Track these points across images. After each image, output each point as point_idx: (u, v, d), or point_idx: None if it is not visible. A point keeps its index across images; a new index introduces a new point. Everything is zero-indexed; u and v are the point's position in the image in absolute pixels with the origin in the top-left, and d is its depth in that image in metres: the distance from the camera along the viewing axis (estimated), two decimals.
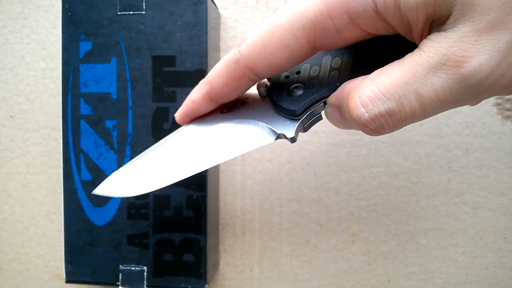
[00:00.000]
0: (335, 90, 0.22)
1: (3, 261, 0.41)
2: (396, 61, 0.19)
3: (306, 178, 0.38)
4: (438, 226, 0.37)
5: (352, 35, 0.19)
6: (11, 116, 0.41)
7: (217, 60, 0.37)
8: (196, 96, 0.25)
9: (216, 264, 0.38)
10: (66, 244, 0.35)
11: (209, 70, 0.33)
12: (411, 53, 0.18)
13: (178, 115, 0.26)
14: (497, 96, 0.36)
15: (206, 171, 0.34)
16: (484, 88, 0.17)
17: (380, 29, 0.19)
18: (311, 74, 0.23)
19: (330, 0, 0.19)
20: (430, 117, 0.36)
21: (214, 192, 0.37)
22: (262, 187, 0.38)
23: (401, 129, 0.36)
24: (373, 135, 0.20)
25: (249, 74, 0.22)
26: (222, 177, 0.38)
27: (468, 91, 0.17)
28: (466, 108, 0.36)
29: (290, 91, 0.24)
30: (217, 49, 0.37)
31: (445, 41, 0.17)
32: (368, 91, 0.18)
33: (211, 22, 0.34)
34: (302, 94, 0.23)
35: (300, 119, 0.24)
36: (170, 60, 0.33)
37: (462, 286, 0.37)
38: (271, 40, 0.20)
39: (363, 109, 0.18)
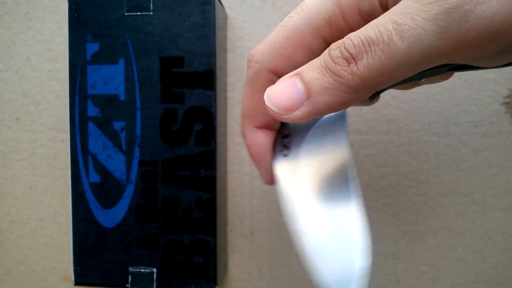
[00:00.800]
0: None
1: (11, 264, 0.41)
2: None
3: None
4: (447, 225, 0.37)
5: None
6: (17, 118, 0.40)
7: (224, 60, 0.37)
8: (246, 136, 0.24)
9: (225, 266, 0.38)
10: (74, 246, 0.35)
11: (217, 71, 0.33)
12: None
13: (263, 179, 0.25)
14: (506, 95, 0.36)
15: (215, 172, 0.33)
16: (463, 14, 0.15)
17: None
18: None
19: (342, 1, 0.19)
20: (438, 117, 0.35)
21: (222, 193, 0.37)
22: (271, 188, 0.38)
23: (410, 128, 0.36)
24: (345, 85, 0.17)
25: (272, 77, 0.21)
26: (230, 178, 0.38)
27: (447, 16, 0.15)
28: (474, 107, 0.36)
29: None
30: (224, 50, 0.37)
31: None
32: (351, 34, 0.17)
33: (218, 23, 0.34)
34: None
35: None
36: (178, 61, 0.33)
37: (471, 286, 0.37)
38: (289, 41, 0.20)
39: (346, 39, 0.17)
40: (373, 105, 0.37)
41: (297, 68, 0.20)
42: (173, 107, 0.33)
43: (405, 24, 0.16)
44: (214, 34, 0.33)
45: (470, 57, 0.16)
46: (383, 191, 0.37)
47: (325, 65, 0.17)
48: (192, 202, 0.34)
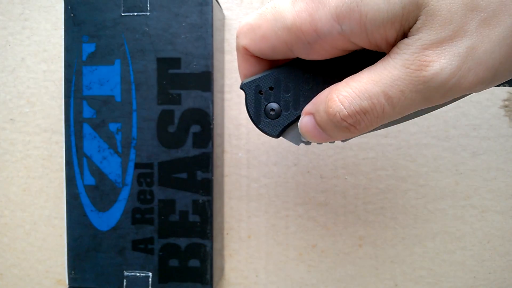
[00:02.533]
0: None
1: (4, 267, 0.41)
2: (368, 67, 0.20)
3: (312, 181, 0.37)
4: (445, 229, 0.37)
5: (323, 51, 0.21)
6: (11, 119, 0.40)
7: (221, 62, 0.37)
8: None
9: (222, 269, 0.38)
10: (69, 250, 0.34)
11: (215, 73, 0.33)
12: (380, 60, 0.20)
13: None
14: (505, 98, 0.36)
15: (211, 174, 0.33)
16: (447, 89, 0.18)
17: (349, 47, 0.20)
18: (284, 91, 0.24)
19: (303, 15, 0.20)
20: (437, 120, 0.35)
21: (219, 196, 0.36)
22: (268, 191, 0.38)
23: (408, 131, 0.36)
24: (347, 136, 0.21)
25: (250, 54, 0.23)
26: (227, 180, 0.38)
27: (432, 91, 0.18)
28: (473, 110, 0.36)
29: (267, 112, 0.25)
30: (222, 51, 0.37)
31: (409, 48, 0.18)
32: (344, 92, 0.20)
33: (216, 24, 0.34)
34: (279, 118, 0.25)
35: (278, 137, 0.25)
36: (175, 62, 0.33)
37: None
38: (259, 29, 0.22)
39: (341, 105, 0.20)
40: None
41: (263, 53, 0.23)
42: (170, 109, 0.33)
43: (396, 97, 0.19)
44: (212, 35, 0.32)
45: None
46: (381, 194, 0.37)
47: (332, 125, 0.21)
48: (189, 205, 0.33)
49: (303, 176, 0.37)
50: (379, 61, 0.20)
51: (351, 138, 0.22)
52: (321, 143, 0.26)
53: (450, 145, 0.36)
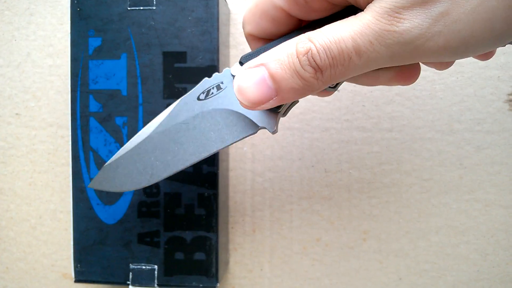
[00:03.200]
0: None
1: (10, 261, 0.41)
2: (341, 20, 0.20)
3: (316, 175, 0.38)
4: (449, 223, 0.37)
5: (320, 6, 0.21)
6: (17, 114, 0.40)
7: (227, 56, 0.37)
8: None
9: (226, 263, 0.38)
10: (75, 243, 0.34)
11: (220, 67, 0.33)
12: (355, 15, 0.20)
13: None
14: (509, 93, 0.36)
15: (217, 168, 0.33)
16: (414, 48, 0.19)
17: (341, 2, 0.21)
18: None
19: None
20: (441, 114, 0.35)
21: (224, 190, 0.36)
22: (272, 185, 0.38)
23: (413, 125, 0.36)
24: (301, 91, 0.20)
25: (256, 39, 0.24)
26: (232, 174, 0.38)
27: (400, 48, 0.19)
28: (478, 105, 0.36)
29: None
30: (227, 45, 0.37)
31: (384, 4, 0.19)
32: (315, 35, 0.20)
33: (222, 18, 0.34)
34: None
35: (279, 111, 0.25)
36: (181, 56, 0.33)
37: (474, 284, 0.37)
38: (256, 8, 0.23)
39: (312, 44, 0.19)
40: (376, 102, 0.36)
41: (265, 33, 0.23)
42: None
43: (364, 46, 0.19)
44: (218, 29, 0.32)
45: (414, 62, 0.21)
46: (385, 188, 0.37)
47: (294, 68, 0.20)
48: (194, 198, 0.33)
49: (307, 170, 0.38)
50: (353, 15, 0.20)
51: (300, 97, 0.21)
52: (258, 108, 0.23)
53: (454, 139, 0.36)
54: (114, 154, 0.33)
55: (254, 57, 0.23)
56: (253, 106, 0.21)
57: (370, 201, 0.37)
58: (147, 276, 0.34)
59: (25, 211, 0.40)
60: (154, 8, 0.33)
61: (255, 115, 0.25)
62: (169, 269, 0.34)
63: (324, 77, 0.20)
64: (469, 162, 0.36)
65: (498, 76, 0.35)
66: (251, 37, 0.24)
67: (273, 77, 0.20)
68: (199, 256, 0.34)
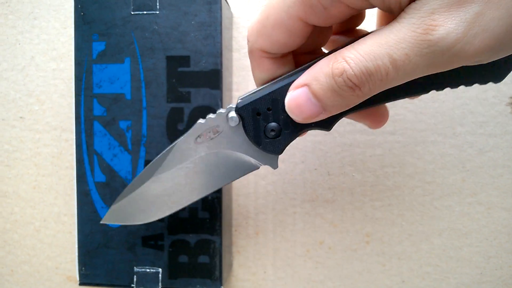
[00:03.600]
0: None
1: (14, 264, 0.41)
2: (373, 32, 0.20)
3: (319, 178, 0.38)
4: (452, 226, 0.37)
5: (339, 12, 0.21)
6: (21, 117, 0.40)
7: (230, 59, 0.37)
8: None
9: (230, 265, 0.38)
10: (79, 246, 0.35)
11: (223, 71, 0.33)
12: (387, 25, 0.20)
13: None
14: (511, 96, 0.36)
15: None
16: (452, 54, 0.18)
17: (363, 5, 0.20)
18: (283, 110, 0.24)
19: None
20: (444, 117, 0.35)
21: (228, 193, 0.36)
22: (275, 188, 0.38)
23: (415, 128, 0.36)
24: (344, 104, 0.21)
25: (265, 55, 0.24)
26: None
27: (437, 56, 0.18)
28: (480, 108, 0.36)
29: (267, 133, 0.25)
30: (230, 49, 0.37)
31: (416, 11, 0.18)
32: (350, 54, 0.20)
33: (225, 22, 0.34)
34: (280, 137, 0.25)
35: (280, 154, 0.26)
36: (184, 60, 0.33)
37: (476, 286, 0.37)
38: (268, 20, 0.22)
39: (348, 65, 0.20)
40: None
41: (278, 46, 0.23)
42: (179, 106, 0.33)
43: (400, 60, 0.19)
44: (221, 33, 0.33)
45: (451, 68, 0.20)
46: (388, 191, 0.37)
47: (333, 89, 0.20)
48: (198, 201, 0.33)
49: (310, 173, 0.38)
50: (385, 26, 0.20)
51: (346, 109, 0.22)
52: (309, 128, 0.25)
53: (456, 142, 0.36)
54: (118, 157, 0.34)
55: (250, 104, 0.25)
56: (305, 121, 0.23)
57: (373, 204, 0.37)
58: (152, 279, 0.34)
59: (30, 214, 0.41)
60: (158, 12, 0.33)
61: (256, 156, 0.26)
62: (173, 272, 0.34)
63: (363, 92, 0.20)
64: (472, 165, 0.36)
65: None
66: (260, 54, 0.24)
67: (316, 97, 0.21)
68: (203, 259, 0.34)
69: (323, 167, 0.38)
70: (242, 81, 0.38)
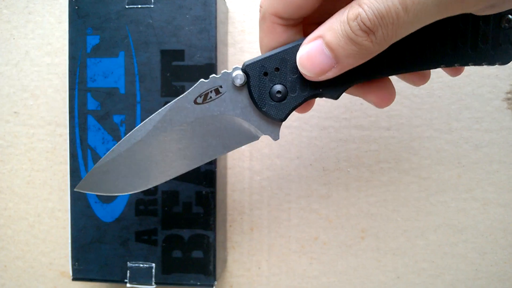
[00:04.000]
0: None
1: (8, 259, 0.41)
2: None
3: (314, 174, 0.38)
4: (447, 222, 0.37)
5: None
6: (15, 112, 0.40)
7: (225, 54, 0.37)
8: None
9: (224, 261, 0.38)
10: (73, 241, 0.34)
11: (218, 65, 0.33)
12: None
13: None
14: (508, 91, 0.36)
15: (215, 166, 0.33)
16: None
17: None
18: (291, 71, 0.23)
19: None
20: (440, 113, 0.35)
21: (222, 188, 0.36)
22: (270, 183, 0.38)
23: (411, 124, 0.36)
24: (360, 55, 0.20)
25: (277, 21, 0.23)
26: (230, 173, 0.38)
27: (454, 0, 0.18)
28: (476, 103, 0.36)
29: (272, 95, 0.24)
30: (225, 44, 0.37)
31: None
32: None
33: (220, 16, 0.34)
34: (286, 101, 0.24)
35: (283, 121, 0.25)
36: (179, 54, 0.33)
37: (471, 282, 0.37)
38: None
39: (361, 9, 0.19)
40: None
41: (295, 8, 0.22)
42: None
43: (410, 0, 0.18)
44: (215, 28, 0.32)
45: (461, 11, 0.20)
46: (384, 186, 0.37)
47: (347, 35, 0.20)
48: (192, 196, 0.33)
49: (305, 168, 0.38)
50: None
51: (360, 62, 0.21)
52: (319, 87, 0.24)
53: (452, 138, 0.36)
54: None
55: (258, 62, 0.23)
56: (316, 76, 0.22)
57: (368, 199, 0.37)
58: (145, 274, 0.34)
59: (23, 210, 0.40)
60: (152, 6, 0.33)
61: (257, 123, 0.25)
62: (166, 267, 0.34)
63: (377, 38, 0.20)
64: (468, 161, 0.36)
65: (496, 75, 0.35)
66: (273, 19, 0.23)
67: (329, 47, 0.21)
68: (197, 254, 0.34)
69: (318, 163, 0.38)
70: None
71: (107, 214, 0.34)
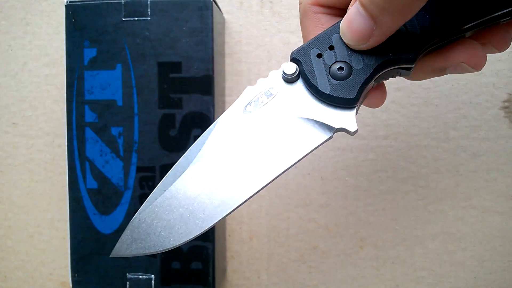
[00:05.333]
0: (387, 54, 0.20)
1: (8, 269, 0.41)
2: None
3: (313, 183, 0.38)
4: (446, 230, 0.37)
5: None
6: (14, 123, 0.40)
7: (222, 65, 0.37)
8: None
9: (224, 271, 0.38)
10: (72, 253, 0.34)
11: (215, 76, 0.33)
12: None
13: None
14: (505, 100, 0.36)
15: None
16: None
17: None
18: (348, 47, 0.20)
19: None
20: (437, 121, 0.35)
21: None
22: (269, 192, 0.38)
23: (409, 133, 0.36)
24: (399, 16, 0.18)
25: (320, 10, 0.21)
26: None
27: None
28: (473, 112, 0.36)
29: (333, 74, 0.20)
30: (222, 54, 0.37)
31: None
32: None
33: (216, 27, 0.34)
34: (352, 76, 0.20)
35: (356, 106, 0.20)
36: (176, 66, 0.33)
37: None
38: None
39: None
40: (372, 110, 0.36)
41: None
42: (171, 113, 0.33)
43: None
44: (212, 39, 0.32)
45: None
46: (382, 195, 0.37)
47: None
48: None
49: (303, 177, 0.38)
50: None
51: (400, 21, 0.19)
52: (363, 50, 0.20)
53: (450, 147, 0.36)
54: (110, 164, 0.34)
55: (308, 46, 0.20)
56: (358, 43, 0.19)
57: (367, 208, 0.37)
58: (144, 285, 0.34)
59: (23, 220, 0.41)
60: (149, 18, 0.33)
61: (326, 115, 0.20)
62: (166, 279, 0.34)
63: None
64: (465, 169, 0.36)
65: (493, 83, 0.35)
66: (314, 10, 0.21)
67: (363, 5, 0.19)
68: (196, 265, 0.34)
69: (317, 172, 0.38)
70: (235, 86, 0.38)
71: (106, 226, 0.34)
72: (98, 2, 0.33)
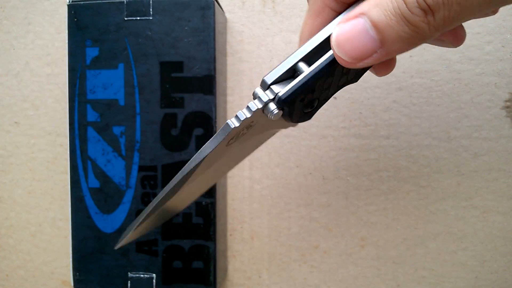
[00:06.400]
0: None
1: (10, 268, 0.41)
2: None
3: (314, 182, 0.38)
4: (447, 230, 0.37)
5: None
6: (16, 122, 0.40)
7: (224, 64, 0.37)
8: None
9: (225, 270, 0.38)
10: (74, 252, 0.35)
11: (217, 76, 0.33)
12: None
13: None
14: (507, 99, 0.36)
15: None
16: None
17: None
18: (325, 88, 0.22)
19: None
20: (439, 121, 0.35)
21: (222, 198, 0.36)
22: (270, 192, 0.38)
23: (410, 132, 0.36)
24: (410, 40, 0.17)
25: (329, 3, 0.20)
26: (230, 182, 0.38)
27: None
28: (475, 112, 0.36)
29: (305, 108, 0.22)
30: (224, 54, 0.37)
31: None
32: None
33: (218, 27, 0.34)
34: (315, 108, 0.23)
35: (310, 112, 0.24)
36: (177, 66, 0.33)
37: None
38: None
39: None
40: (373, 109, 0.37)
41: None
42: (173, 112, 0.33)
43: None
44: (214, 39, 0.33)
45: None
46: (383, 195, 0.37)
47: (400, 13, 0.17)
48: (192, 207, 0.33)
49: (305, 177, 0.38)
50: None
51: (407, 49, 0.18)
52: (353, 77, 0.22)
53: (451, 146, 0.36)
54: (111, 163, 0.34)
55: (282, 75, 0.21)
56: (354, 62, 0.18)
57: (368, 208, 0.37)
58: (146, 284, 0.34)
59: (25, 219, 0.41)
60: (151, 18, 0.33)
61: (284, 126, 0.25)
62: (167, 278, 0.34)
63: (436, 20, 0.17)
64: (467, 169, 0.36)
65: (495, 83, 0.35)
66: (325, 1, 0.20)
67: (376, 26, 0.17)
68: (197, 264, 0.34)
69: (318, 172, 0.38)
70: (237, 85, 0.38)
71: (107, 225, 0.34)
72: (100, 1, 0.33)
